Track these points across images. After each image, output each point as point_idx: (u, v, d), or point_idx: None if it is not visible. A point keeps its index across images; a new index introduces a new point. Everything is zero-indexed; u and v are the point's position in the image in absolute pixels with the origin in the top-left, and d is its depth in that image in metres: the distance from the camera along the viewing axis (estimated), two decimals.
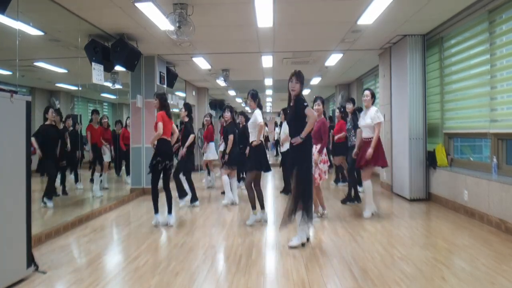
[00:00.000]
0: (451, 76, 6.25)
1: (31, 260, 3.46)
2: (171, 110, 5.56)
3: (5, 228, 3.16)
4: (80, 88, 7.13)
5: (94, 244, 4.53)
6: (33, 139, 6.03)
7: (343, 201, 6.54)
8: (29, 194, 3.44)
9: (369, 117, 5.44)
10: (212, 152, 8.37)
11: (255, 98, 5.35)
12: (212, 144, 8.36)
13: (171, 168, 5.41)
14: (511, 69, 4.85)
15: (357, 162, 5.67)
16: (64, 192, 7.00)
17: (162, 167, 5.20)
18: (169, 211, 5.38)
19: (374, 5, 5.31)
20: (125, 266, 3.73)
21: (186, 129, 6.56)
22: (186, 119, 6.62)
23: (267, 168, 5.37)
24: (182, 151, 6.45)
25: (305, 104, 4.08)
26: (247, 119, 6.84)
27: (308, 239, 4.29)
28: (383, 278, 3.29)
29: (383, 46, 7.68)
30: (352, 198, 6.52)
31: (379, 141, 5.43)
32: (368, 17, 5.83)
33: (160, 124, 5.12)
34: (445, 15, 5.90)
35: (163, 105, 5.33)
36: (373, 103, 5.63)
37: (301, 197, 4.09)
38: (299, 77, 4.19)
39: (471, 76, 5.70)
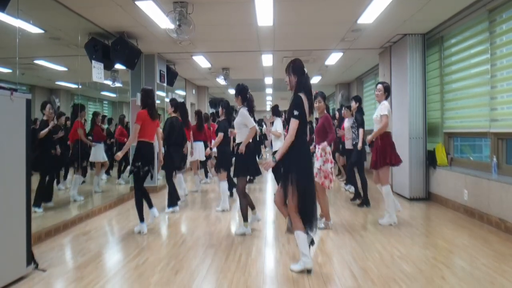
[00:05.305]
0: (451, 76, 6.25)
1: (31, 258, 3.46)
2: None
3: (5, 226, 3.16)
4: (80, 86, 7.10)
5: (94, 242, 4.53)
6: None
7: (360, 204, 6.33)
8: (29, 192, 3.44)
9: (376, 111, 5.14)
10: (197, 152, 8.03)
11: (239, 93, 4.81)
12: (197, 144, 8.03)
13: (149, 173, 4.95)
14: (511, 69, 4.84)
15: (370, 164, 5.26)
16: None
17: (144, 172, 4.83)
18: (150, 206, 5.01)
19: (374, 4, 5.31)
20: (125, 264, 3.73)
21: (171, 127, 6.24)
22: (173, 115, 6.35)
23: (256, 172, 4.87)
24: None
25: (295, 113, 3.36)
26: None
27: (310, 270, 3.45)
28: (382, 277, 3.29)
29: (383, 45, 7.68)
30: (362, 198, 6.29)
31: (387, 138, 5.07)
32: (368, 16, 5.83)
33: (136, 127, 4.75)
34: (445, 14, 5.90)
35: (145, 103, 4.89)
36: (386, 98, 5.13)
37: (304, 215, 3.41)
38: (289, 68, 3.54)
39: (471, 75, 5.70)
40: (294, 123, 3.36)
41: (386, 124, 4.94)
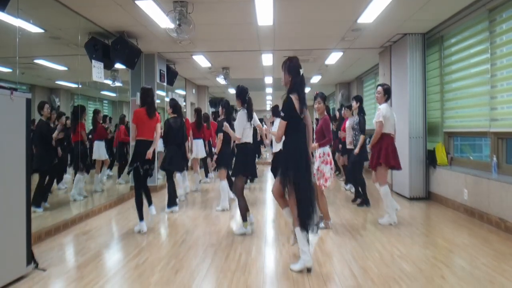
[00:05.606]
0: (451, 75, 6.25)
1: (31, 258, 3.47)
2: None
3: (5, 225, 3.16)
4: (80, 86, 7.10)
5: (94, 241, 4.53)
6: None
7: (360, 204, 6.30)
8: (29, 192, 3.44)
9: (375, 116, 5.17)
10: (196, 150, 8.09)
11: (238, 95, 4.77)
12: (196, 142, 8.10)
13: (151, 172, 5.00)
14: (511, 68, 4.84)
15: (369, 163, 5.35)
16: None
17: (143, 171, 4.86)
18: (149, 203, 5.03)
19: (374, 3, 5.30)
20: (125, 264, 3.73)
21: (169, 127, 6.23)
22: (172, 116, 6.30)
23: (253, 174, 4.94)
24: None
25: (282, 115, 3.48)
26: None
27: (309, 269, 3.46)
28: (382, 277, 3.29)
29: (383, 44, 7.68)
30: (362, 197, 6.25)
31: (386, 139, 5.05)
32: (368, 16, 5.82)
33: (132, 127, 4.83)
34: (445, 14, 5.89)
35: (144, 101, 4.91)
36: (386, 100, 5.17)
37: (301, 212, 3.44)
38: (285, 66, 3.53)
39: (471, 75, 5.70)
40: (281, 124, 3.52)
41: (379, 130, 5.04)
